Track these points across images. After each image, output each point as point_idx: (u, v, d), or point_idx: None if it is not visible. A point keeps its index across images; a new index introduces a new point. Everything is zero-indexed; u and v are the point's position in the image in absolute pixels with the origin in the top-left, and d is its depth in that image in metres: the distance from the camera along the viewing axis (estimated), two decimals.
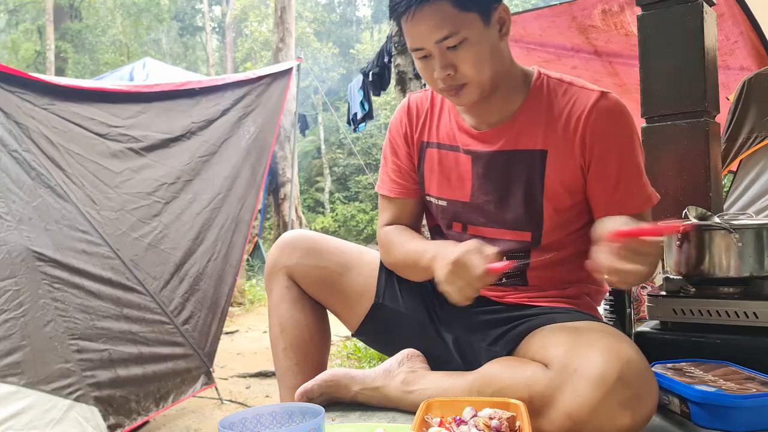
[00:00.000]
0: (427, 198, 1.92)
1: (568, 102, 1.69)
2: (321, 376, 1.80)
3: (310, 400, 1.76)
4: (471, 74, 1.62)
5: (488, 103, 1.74)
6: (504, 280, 1.81)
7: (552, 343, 1.49)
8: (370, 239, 20.61)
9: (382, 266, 1.98)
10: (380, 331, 1.99)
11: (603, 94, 1.67)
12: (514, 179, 1.74)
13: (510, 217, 1.77)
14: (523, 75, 1.77)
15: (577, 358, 1.36)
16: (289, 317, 1.93)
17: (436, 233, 1.98)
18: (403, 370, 1.76)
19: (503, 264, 1.50)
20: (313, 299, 1.96)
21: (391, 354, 1.90)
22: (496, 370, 1.54)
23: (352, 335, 2.11)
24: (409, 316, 1.93)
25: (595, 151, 1.66)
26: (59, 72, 18.49)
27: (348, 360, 6.64)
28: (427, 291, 1.96)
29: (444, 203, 1.87)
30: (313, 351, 1.94)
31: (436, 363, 1.83)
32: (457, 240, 1.80)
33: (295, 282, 1.95)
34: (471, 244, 1.52)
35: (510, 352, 1.66)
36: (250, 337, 8.16)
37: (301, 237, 1.99)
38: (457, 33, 1.57)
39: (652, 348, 1.84)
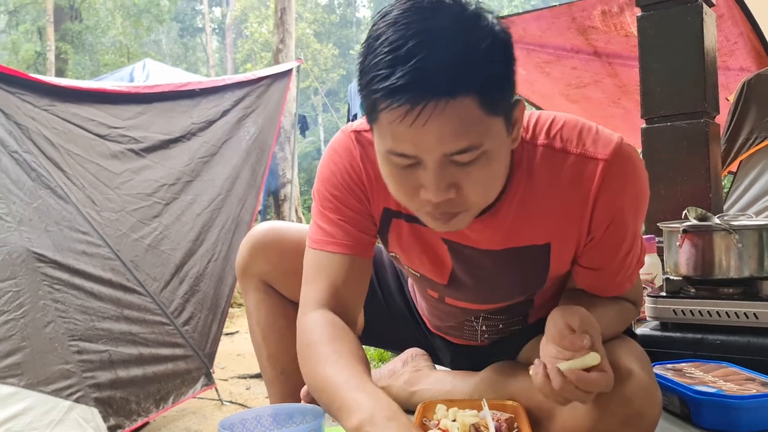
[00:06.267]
0: (393, 254, 1.56)
1: (567, 181, 1.30)
2: None
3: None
4: (477, 199, 1.19)
5: None
6: (505, 335, 1.68)
7: None
8: None
9: None
10: (372, 337, 1.84)
11: (609, 164, 1.27)
12: (509, 273, 1.45)
13: (500, 297, 1.54)
14: None
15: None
16: (270, 324, 1.80)
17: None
18: (407, 370, 1.74)
19: None
20: (294, 302, 1.69)
21: (392, 350, 1.86)
22: (500, 375, 1.52)
23: None
24: (400, 317, 1.84)
25: (606, 237, 1.35)
26: (59, 73, 18.47)
27: None
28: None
29: (417, 274, 1.55)
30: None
31: (440, 362, 1.82)
32: (433, 304, 1.66)
33: (272, 287, 1.75)
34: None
35: (514, 354, 1.64)
36: (249, 338, 8.05)
37: (273, 237, 1.72)
38: (478, 146, 1.11)
39: (652, 349, 1.84)
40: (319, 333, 1.33)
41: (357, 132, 1.42)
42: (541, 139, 1.31)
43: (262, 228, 1.74)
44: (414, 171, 1.14)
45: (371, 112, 1.13)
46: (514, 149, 1.27)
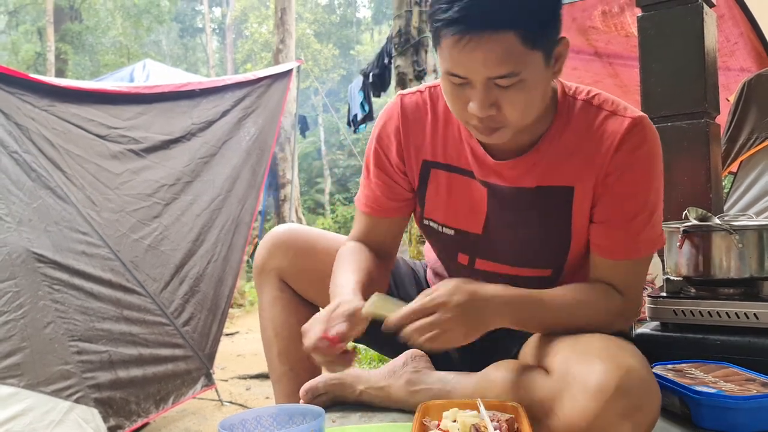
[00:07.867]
0: (427, 222, 1.73)
1: (596, 131, 1.51)
2: (327, 374, 1.79)
3: (315, 396, 1.75)
4: (514, 118, 1.40)
5: None
6: None
7: (554, 349, 1.45)
8: None
9: None
10: (380, 335, 1.89)
11: (634, 123, 1.48)
12: (537, 217, 1.59)
13: (530, 256, 1.65)
14: (550, 96, 1.56)
15: (577, 366, 1.32)
16: (283, 321, 1.84)
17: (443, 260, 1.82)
18: (407, 371, 1.74)
19: (336, 334, 1.43)
20: (306, 300, 1.87)
21: (394, 356, 1.87)
22: (500, 374, 1.53)
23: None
24: None
25: (615, 187, 1.51)
26: (59, 73, 18.47)
27: None
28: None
29: (451, 232, 1.69)
30: (308, 355, 1.88)
31: (440, 363, 1.82)
32: (461, 273, 1.69)
33: (287, 284, 1.85)
34: (335, 309, 1.47)
35: (516, 353, 1.64)
36: (250, 339, 8.15)
37: (292, 236, 1.85)
38: (517, 74, 1.32)
39: (652, 349, 1.84)
40: (345, 253, 1.70)
41: (403, 95, 1.70)
42: (581, 96, 1.55)
43: (282, 228, 1.89)
44: (465, 89, 1.38)
45: (435, 37, 1.37)
46: (559, 100, 1.54)
